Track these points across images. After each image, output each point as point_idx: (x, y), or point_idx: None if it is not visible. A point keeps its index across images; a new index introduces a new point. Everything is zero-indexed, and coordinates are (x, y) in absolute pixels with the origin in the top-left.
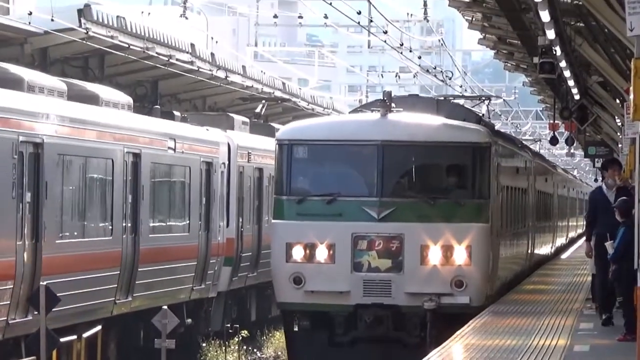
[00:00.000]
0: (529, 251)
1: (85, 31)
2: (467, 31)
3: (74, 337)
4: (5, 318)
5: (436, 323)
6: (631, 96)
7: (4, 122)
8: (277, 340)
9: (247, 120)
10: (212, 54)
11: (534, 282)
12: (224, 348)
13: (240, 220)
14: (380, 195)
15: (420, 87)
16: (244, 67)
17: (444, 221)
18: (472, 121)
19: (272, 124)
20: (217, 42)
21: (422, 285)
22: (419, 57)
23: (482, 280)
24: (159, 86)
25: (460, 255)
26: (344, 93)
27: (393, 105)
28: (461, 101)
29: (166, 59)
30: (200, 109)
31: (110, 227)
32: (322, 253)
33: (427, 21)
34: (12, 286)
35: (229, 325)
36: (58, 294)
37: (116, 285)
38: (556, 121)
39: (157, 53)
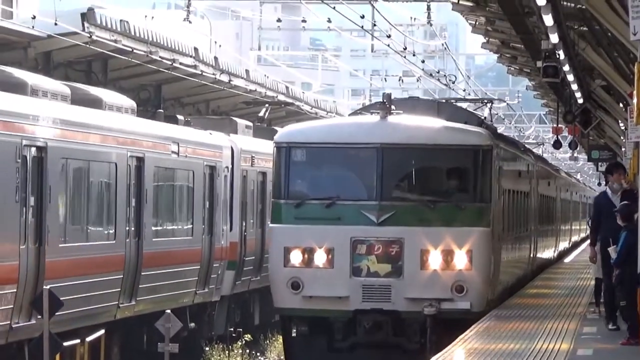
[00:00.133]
0: (532, 255)
1: (89, 35)
2: (470, 35)
3: (77, 341)
4: (9, 322)
5: (436, 329)
6: (634, 100)
7: (8, 126)
8: (280, 345)
9: (250, 124)
10: (216, 58)
11: (537, 286)
12: (227, 352)
13: (244, 224)
14: (380, 199)
15: (424, 91)
16: (247, 71)
17: (445, 225)
18: (473, 124)
19: (276, 128)
20: (220, 46)
21: (422, 291)
22: (423, 61)
23: (483, 285)
24: (163, 90)
25: (460, 260)
26: (347, 97)
27: (393, 107)
28: (463, 104)
29: (170, 63)
30: (203, 112)
31: (114, 231)
32: (320, 257)
33: (431, 25)
34: (15, 290)
35: (232, 329)
36: (61, 298)
37: (119, 289)
38: (559, 125)
39: (160, 57)
